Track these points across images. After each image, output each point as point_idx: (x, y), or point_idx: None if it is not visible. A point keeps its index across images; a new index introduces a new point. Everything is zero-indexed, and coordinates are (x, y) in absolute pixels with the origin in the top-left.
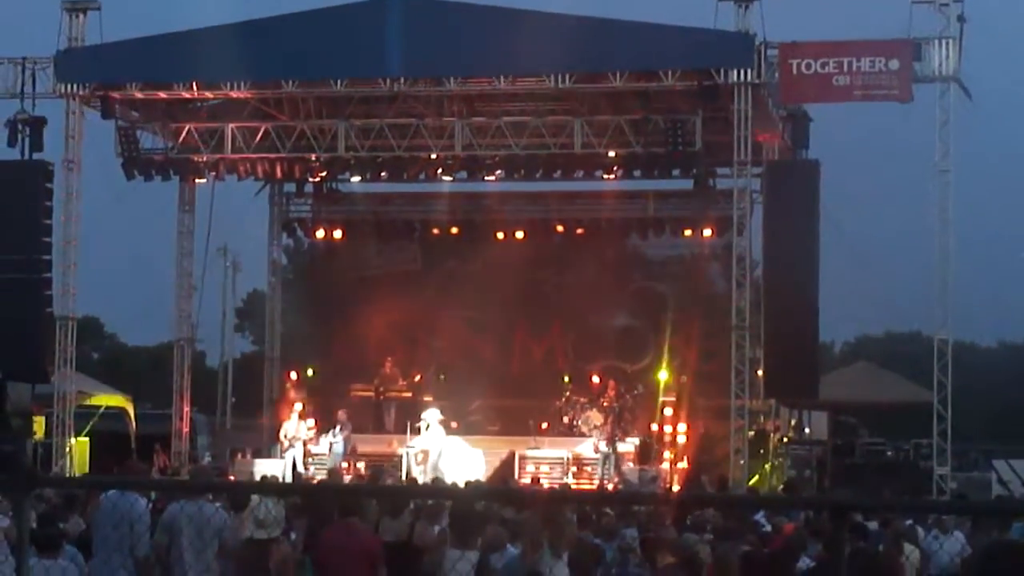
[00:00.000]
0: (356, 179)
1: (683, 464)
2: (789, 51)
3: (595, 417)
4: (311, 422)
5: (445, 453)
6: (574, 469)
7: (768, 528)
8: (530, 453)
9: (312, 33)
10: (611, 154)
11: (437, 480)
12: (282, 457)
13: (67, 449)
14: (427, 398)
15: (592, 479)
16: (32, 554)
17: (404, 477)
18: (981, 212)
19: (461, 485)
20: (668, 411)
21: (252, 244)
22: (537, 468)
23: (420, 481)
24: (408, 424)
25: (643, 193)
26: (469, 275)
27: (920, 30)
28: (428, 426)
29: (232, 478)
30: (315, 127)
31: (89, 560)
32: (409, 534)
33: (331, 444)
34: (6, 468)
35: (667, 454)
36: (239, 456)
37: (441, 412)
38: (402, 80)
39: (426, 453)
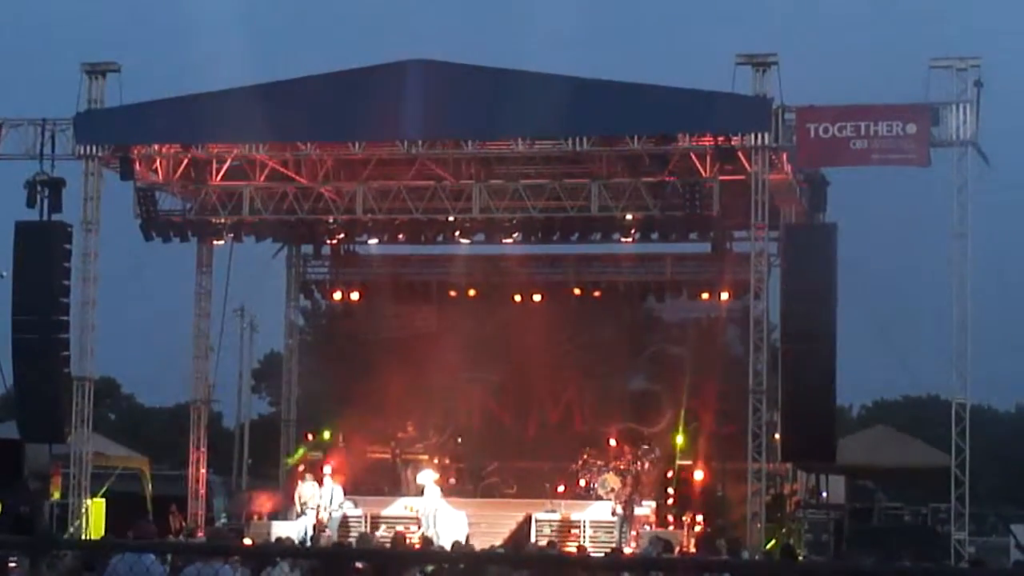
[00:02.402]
0: (374, 241)
1: (699, 528)
2: (806, 115)
3: (612, 480)
4: (332, 486)
5: (439, 514)
6: (591, 532)
7: None
8: (546, 516)
9: (330, 96)
10: (628, 217)
11: (430, 540)
12: (298, 519)
13: (83, 510)
14: (445, 461)
15: (609, 543)
16: None
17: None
18: (999, 276)
19: (449, 546)
20: (685, 474)
21: (269, 306)
22: (553, 531)
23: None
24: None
25: (660, 256)
26: (486, 337)
27: (937, 95)
28: (423, 487)
29: (248, 540)
30: (333, 189)
31: None
32: None
33: (330, 513)
34: (23, 530)
35: (683, 518)
36: (255, 518)
37: (454, 477)
38: (420, 143)
39: (420, 513)
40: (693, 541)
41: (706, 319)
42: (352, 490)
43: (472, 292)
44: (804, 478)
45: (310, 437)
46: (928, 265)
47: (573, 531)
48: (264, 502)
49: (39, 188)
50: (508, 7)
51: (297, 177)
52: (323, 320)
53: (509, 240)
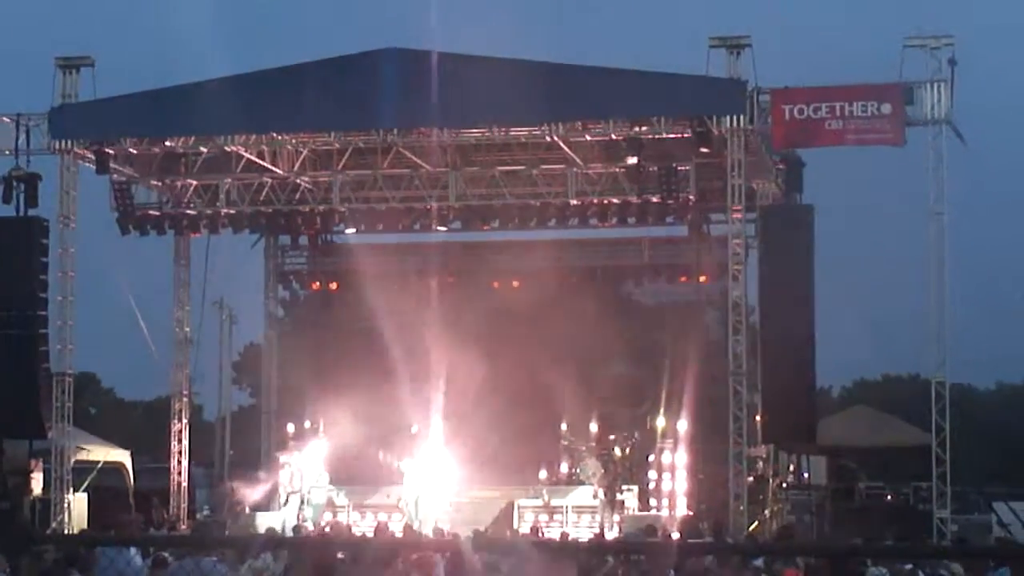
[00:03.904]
0: (351, 231)
1: (682, 511)
2: (781, 96)
3: (593, 465)
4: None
5: (421, 502)
6: (573, 517)
7: None
8: (529, 502)
9: (305, 86)
10: (605, 202)
11: (413, 529)
12: (281, 509)
13: (65, 505)
14: (427, 448)
15: (592, 527)
16: None
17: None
18: (977, 253)
19: (431, 533)
20: (666, 458)
21: (248, 297)
22: (536, 517)
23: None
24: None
25: (638, 240)
26: (465, 324)
27: (912, 74)
28: (405, 476)
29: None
30: (309, 179)
31: None
32: None
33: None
34: (3, 526)
35: (665, 501)
36: (238, 509)
37: (436, 464)
38: (396, 131)
39: (401, 502)
40: (676, 524)
41: (685, 302)
42: (334, 479)
43: (450, 279)
44: (786, 459)
45: (291, 428)
46: (906, 244)
47: (556, 516)
48: (246, 494)
49: (15, 183)
50: None
51: (273, 168)
52: (302, 310)
53: (486, 227)
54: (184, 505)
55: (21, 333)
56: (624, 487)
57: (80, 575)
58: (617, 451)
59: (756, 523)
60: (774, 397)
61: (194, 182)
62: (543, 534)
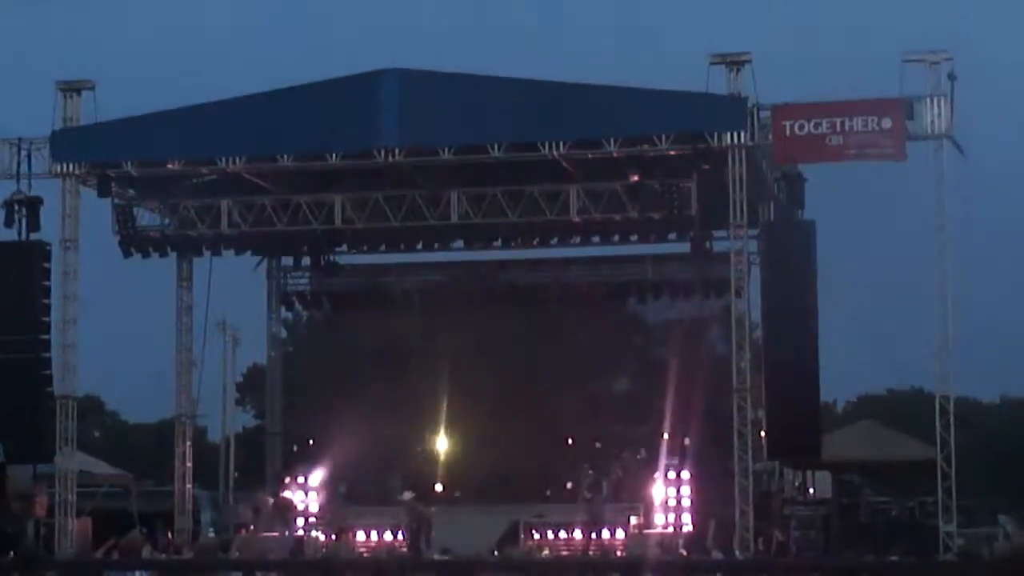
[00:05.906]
0: (353, 251)
1: (687, 528)
2: (782, 112)
3: (598, 482)
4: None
5: (424, 521)
6: (578, 535)
7: None
8: (533, 520)
9: (307, 107)
10: (607, 220)
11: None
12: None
13: (69, 528)
14: (431, 468)
15: (596, 545)
16: None
17: None
18: (980, 266)
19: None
20: (671, 474)
21: (251, 318)
22: (541, 534)
23: None
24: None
25: (641, 258)
26: (469, 342)
27: (912, 89)
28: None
29: (237, 553)
30: (311, 201)
31: None
32: None
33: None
34: (9, 550)
35: (671, 517)
36: (243, 531)
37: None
38: (397, 151)
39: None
40: (682, 541)
41: (688, 319)
42: (338, 499)
43: (454, 298)
44: (791, 475)
45: (295, 449)
46: (908, 258)
47: (560, 534)
48: (252, 515)
49: (16, 208)
50: (474, 13)
51: (275, 189)
52: (305, 331)
53: (489, 246)
54: (189, 527)
55: (24, 357)
56: (629, 504)
57: None
58: (621, 469)
59: (762, 539)
60: (779, 413)
61: (195, 204)
62: (548, 552)
